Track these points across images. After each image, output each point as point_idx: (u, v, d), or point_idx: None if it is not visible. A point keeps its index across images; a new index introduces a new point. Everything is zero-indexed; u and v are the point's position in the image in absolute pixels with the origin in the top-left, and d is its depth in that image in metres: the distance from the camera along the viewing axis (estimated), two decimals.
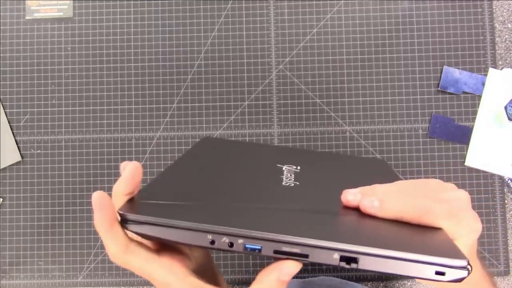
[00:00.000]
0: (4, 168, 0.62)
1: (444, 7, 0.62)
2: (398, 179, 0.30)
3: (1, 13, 0.64)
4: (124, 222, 0.22)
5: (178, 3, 0.63)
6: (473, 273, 0.27)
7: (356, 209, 0.25)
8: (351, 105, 0.62)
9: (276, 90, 0.62)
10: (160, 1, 0.63)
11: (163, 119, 0.62)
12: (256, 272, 0.22)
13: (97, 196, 0.21)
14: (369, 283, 0.61)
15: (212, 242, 0.21)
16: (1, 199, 0.62)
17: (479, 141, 0.60)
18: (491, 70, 0.61)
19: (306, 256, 0.21)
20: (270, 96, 0.62)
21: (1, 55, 0.63)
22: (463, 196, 0.25)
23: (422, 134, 0.61)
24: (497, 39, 0.62)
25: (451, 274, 0.20)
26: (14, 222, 0.62)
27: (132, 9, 0.63)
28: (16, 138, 0.63)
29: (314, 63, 0.62)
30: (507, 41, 0.62)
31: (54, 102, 0.63)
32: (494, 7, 0.62)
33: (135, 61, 0.63)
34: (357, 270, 0.21)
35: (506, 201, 0.60)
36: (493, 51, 0.61)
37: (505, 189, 0.60)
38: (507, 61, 0.62)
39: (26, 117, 0.63)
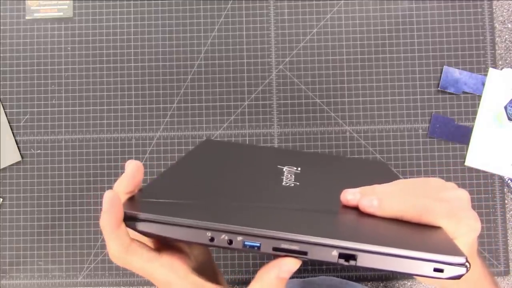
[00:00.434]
0: (4, 168, 0.62)
1: (444, 7, 0.62)
2: (398, 179, 0.30)
3: (1, 13, 0.64)
4: (124, 220, 0.22)
5: (178, 3, 0.63)
6: (473, 271, 0.27)
7: (356, 209, 0.25)
8: (351, 105, 0.62)
9: (276, 90, 0.62)
10: (160, 1, 0.63)
11: (163, 119, 0.62)
12: (256, 272, 0.22)
13: (110, 195, 0.21)
14: (369, 283, 0.61)
15: (212, 239, 0.21)
16: (1, 199, 0.62)
17: (479, 141, 0.60)
18: (491, 70, 0.61)
19: (305, 253, 0.21)
20: (270, 96, 0.62)
21: (1, 55, 0.63)
22: (463, 195, 0.25)
23: (422, 134, 0.61)
24: (497, 39, 0.62)
25: (450, 271, 0.20)
26: (14, 222, 0.62)
27: (132, 9, 0.63)
28: (16, 138, 0.63)
29: (314, 63, 0.62)
30: (507, 41, 0.62)
31: (54, 102, 0.63)
32: (494, 7, 0.62)
33: (135, 61, 0.63)
34: (355, 267, 0.21)
35: (506, 201, 0.60)
36: (493, 51, 0.61)
37: (505, 189, 0.60)
38: (507, 61, 0.62)
39: (26, 117, 0.63)
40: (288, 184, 0.30)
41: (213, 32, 0.63)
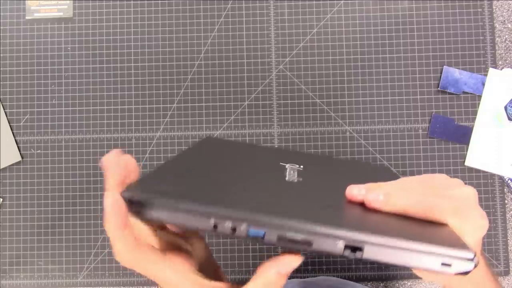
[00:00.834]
0: (4, 168, 0.62)
1: (444, 7, 0.62)
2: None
3: (1, 13, 0.64)
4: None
5: (178, 3, 0.63)
6: (478, 269, 0.27)
7: (361, 205, 0.25)
8: (351, 105, 0.62)
9: (276, 90, 0.62)
10: (160, 1, 0.63)
11: (163, 119, 0.62)
12: (255, 272, 0.22)
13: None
14: (369, 283, 0.61)
15: (215, 226, 0.20)
16: (1, 199, 0.62)
17: (479, 141, 0.60)
18: (491, 70, 0.61)
19: (310, 244, 0.20)
20: (270, 96, 0.62)
21: (1, 55, 0.63)
22: (470, 192, 0.25)
23: (422, 134, 0.61)
24: (497, 39, 0.62)
25: (458, 266, 0.20)
26: (14, 222, 0.62)
27: (132, 9, 0.63)
28: (16, 138, 0.63)
29: (314, 63, 0.62)
30: (507, 41, 0.62)
31: (54, 102, 0.63)
32: (494, 7, 0.62)
33: (135, 61, 0.63)
34: (361, 260, 0.20)
35: (506, 201, 0.60)
36: (493, 51, 0.61)
37: (505, 189, 0.60)
38: (507, 61, 0.62)
39: (26, 117, 0.63)
40: (291, 180, 0.29)
41: (213, 32, 0.63)
